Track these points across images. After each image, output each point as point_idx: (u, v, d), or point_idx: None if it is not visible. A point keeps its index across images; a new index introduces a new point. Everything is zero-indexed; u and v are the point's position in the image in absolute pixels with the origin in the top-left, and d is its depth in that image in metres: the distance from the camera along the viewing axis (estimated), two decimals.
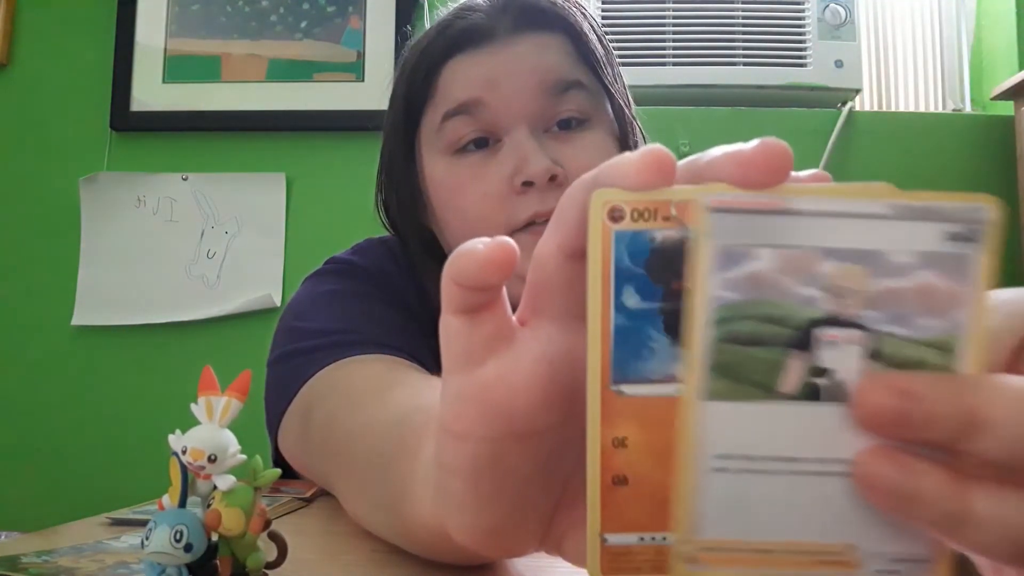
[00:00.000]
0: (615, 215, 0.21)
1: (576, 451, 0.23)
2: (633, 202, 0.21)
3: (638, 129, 0.71)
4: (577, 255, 0.22)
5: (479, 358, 0.24)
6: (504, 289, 0.24)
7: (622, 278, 0.21)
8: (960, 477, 0.19)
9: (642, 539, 0.22)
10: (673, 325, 0.21)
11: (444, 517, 0.27)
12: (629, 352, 0.21)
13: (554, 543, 0.27)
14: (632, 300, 0.21)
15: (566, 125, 0.64)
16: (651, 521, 0.22)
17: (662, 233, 0.21)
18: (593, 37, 0.66)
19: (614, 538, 0.22)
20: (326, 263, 0.73)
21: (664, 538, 0.22)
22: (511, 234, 0.60)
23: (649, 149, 0.21)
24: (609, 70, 0.67)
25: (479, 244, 0.23)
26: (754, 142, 0.20)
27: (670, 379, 0.21)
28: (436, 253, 0.69)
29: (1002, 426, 0.19)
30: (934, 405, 0.19)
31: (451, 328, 0.24)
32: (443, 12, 0.68)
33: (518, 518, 0.26)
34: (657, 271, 0.21)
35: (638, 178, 0.21)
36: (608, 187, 0.21)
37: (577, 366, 0.22)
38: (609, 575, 0.23)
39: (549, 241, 0.24)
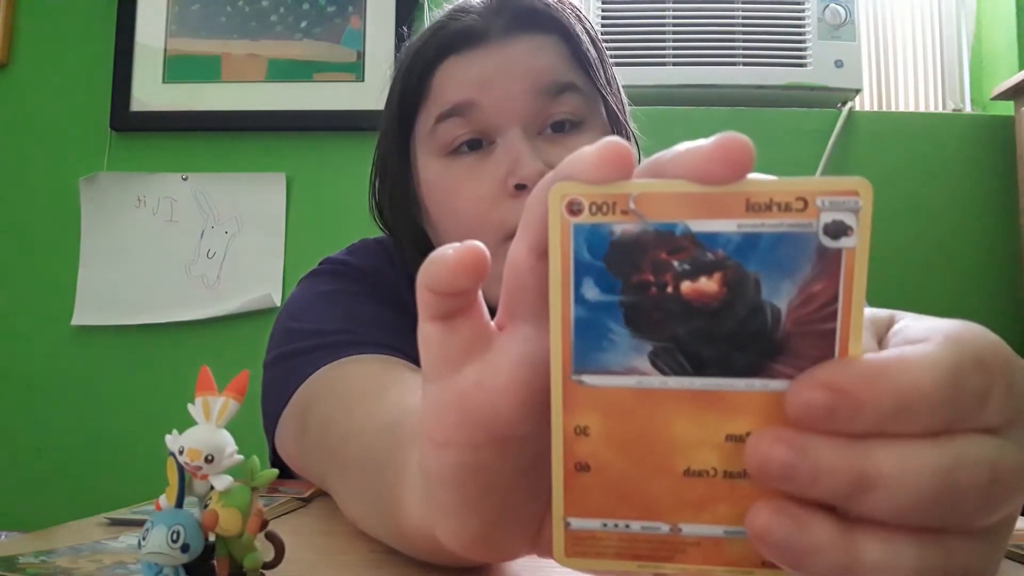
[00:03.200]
0: (573, 208, 0.21)
1: None
2: (591, 195, 0.21)
3: (632, 132, 0.71)
4: (547, 255, 0.22)
5: (457, 364, 0.24)
6: (480, 294, 0.24)
7: (581, 270, 0.21)
8: (849, 528, 0.20)
9: (605, 525, 0.23)
10: (633, 318, 0.21)
11: (431, 522, 0.27)
12: (589, 343, 0.22)
13: (545, 547, 0.27)
14: (592, 292, 0.21)
15: (559, 127, 0.63)
16: (613, 508, 0.23)
17: (621, 226, 0.21)
18: (587, 39, 0.66)
19: (577, 523, 0.23)
20: (321, 263, 0.73)
21: (627, 525, 0.22)
22: (503, 239, 0.60)
23: (606, 142, 0.21)
24: (603, 72, 0.67)
25: (449, 250, 0.23)
26: (715, 137, 0.20)
27: (630, 371, 0.21)
28: (430, 253, 0.69)
29: (890, 487, 0.19)
30: (821, 461, 0.19)
31: (428, 335, 0.24)
32: (439, 13, 0.68)
33: (506, 523, 0.26)
34: (616, 264, 0.21)
35: (596, 171, 0.21)
36: (568, 181, 0.21)
37: None
38: (572, 558, 0.23)
39: (520, 243, 0.24)
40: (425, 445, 0.25)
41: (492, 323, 0.25)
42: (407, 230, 0.70)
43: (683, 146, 0.21)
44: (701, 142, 0.21)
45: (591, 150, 0.21)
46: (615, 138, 0.21)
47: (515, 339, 0.24)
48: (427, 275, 0.23)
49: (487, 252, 0.23)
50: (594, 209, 0.21)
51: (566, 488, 0.22)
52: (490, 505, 0.25)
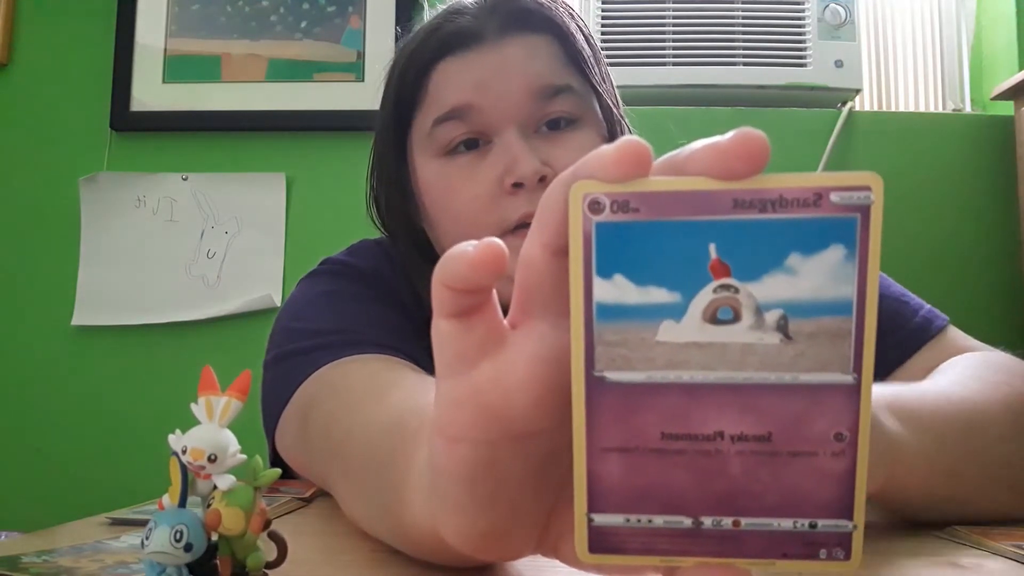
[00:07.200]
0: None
1: (571, 454, 0.23)
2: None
3: (626, 128, 0.71)
4: (563, 252, 0.22)
5: (472, 361, 0.24)
6: (495, 292, 0.24)
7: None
8: None
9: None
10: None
11: (438, 521, 0.27)
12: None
13: (550, 546, 0.27)
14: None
15: (555, 125, 0.64)
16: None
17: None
18: (580, 37, 0.67)
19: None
20: (321, 264, 0.73)
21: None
22: (501, 236, 0.60)
23: (626, 140, 0.21)
24: (597, 70, 0.67)
25: (468, 246, 0.23)
26: (731, 133, 0.21)
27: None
28: (427, 253, 0.69)
29: None
30: None
31: (443, 332, 0.24)
32: (433, 13, 0.68)
33: (513, 521, 0.26)
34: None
35: (616, 169, 0.21)
36: (587, 179, 0.21)
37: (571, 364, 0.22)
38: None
39: (534, 241, 0.24)
40: (437, 441, 0.25)
41: (505, 322, 0.25)
42: (404, 229, 0.70)
43: (700, 143, 0.22)
44: (719, 138, 0.21)
45: (610, 148, 0.21)
46: (633, 137, 0.21)
47: (531, 336, 0.24)
48: (445, 271, 0.23)
49: (506, 249, 0.23)
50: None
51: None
52: (499, 502, 0.25)
